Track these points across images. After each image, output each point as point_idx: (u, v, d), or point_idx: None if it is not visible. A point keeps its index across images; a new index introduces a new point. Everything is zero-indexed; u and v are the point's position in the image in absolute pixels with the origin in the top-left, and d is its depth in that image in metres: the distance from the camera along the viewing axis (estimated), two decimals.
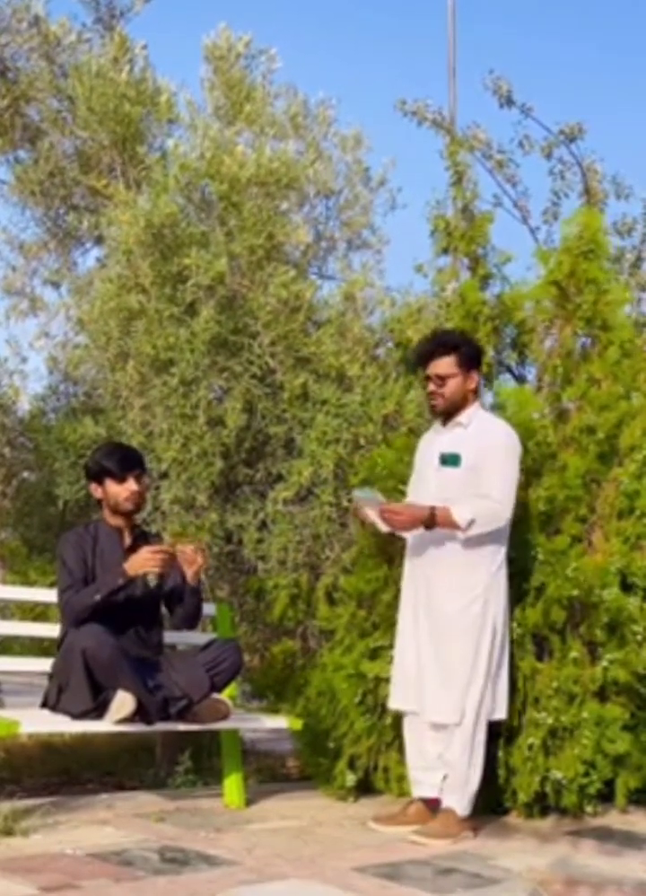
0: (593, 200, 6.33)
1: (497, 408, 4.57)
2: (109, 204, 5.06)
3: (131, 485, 3.85)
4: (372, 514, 3.92)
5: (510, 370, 5.07)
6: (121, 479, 3.84)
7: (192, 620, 3.98)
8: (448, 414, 3.96)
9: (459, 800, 3.81)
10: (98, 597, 3.66)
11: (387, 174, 5.45)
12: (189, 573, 3.81)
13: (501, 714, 3.89)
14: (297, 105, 5.29)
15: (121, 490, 3.85)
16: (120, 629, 3.71)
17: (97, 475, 3.88)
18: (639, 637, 4.11)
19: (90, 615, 3.64)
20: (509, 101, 6.53)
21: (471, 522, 3.77)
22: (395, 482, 4.33)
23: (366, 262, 5.30)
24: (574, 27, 20.08)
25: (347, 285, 5.06)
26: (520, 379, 5.05)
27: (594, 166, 6.47)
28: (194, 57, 5.39)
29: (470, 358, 3.97)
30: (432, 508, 3.80)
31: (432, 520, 3.80)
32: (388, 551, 4.30)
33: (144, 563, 3.69)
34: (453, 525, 3.79)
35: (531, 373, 4.99)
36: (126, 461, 3.89)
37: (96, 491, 3.91)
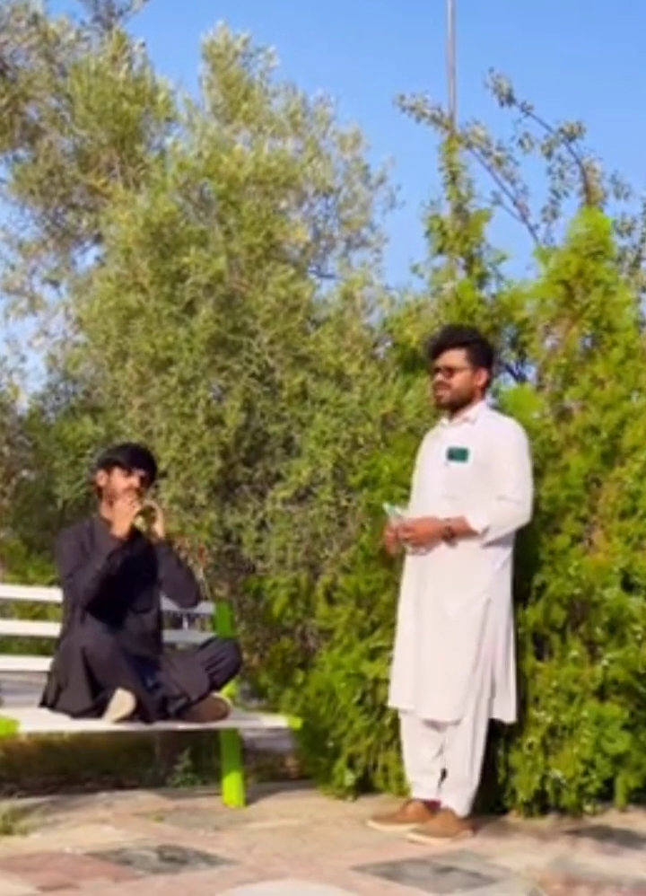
0: (592, 199, 6.32)
1: (498, 407, 4.57)
2: (107, 202, 5.05)
3: (134, 480, 3.90)
4: (391, 530, 3.97)
5: (509, 369, 5.07)
6: (128, 473, 3.90)
7: (186, 588, 3.93)
8: (453, 408, 3.97)
9: (458, 800, 3.81)
10: (99, 567, 3.70)
11: (386, 172, 5.44)
12: (156, 528, 3.82)
13: (510, 716, 3.89)
14: (296, 103, 5.27)
15: (123, 482, 3.90)
16: (118, 620, 3.73)
17: (107, 463, 3.95)
18: (639, 637, 4.11)
19: (96, 587, 3.68)
20: (509, 99, 6.52)
21: (487, 529, 3.77)
22: (400, 488, 4.33)
23: (365, 261, 5.29)
24: (574, 24, 20.08)
25: (346, 284, 5.06)
26: (520, 378, 5.05)
27: (593, 165, 6.46)
28: (192, 55, 5.40)
29: (481, 355, 4.00)
30: (448, 520, 3.80)
31: (448, 531, 3.80)
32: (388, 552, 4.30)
33: (123, 513, 3.74)
34: (470, 533, 3.78)
35: (531, 373, 5.00)
36: (138, 456, 3.97)
37: (101, 479, 3.96)
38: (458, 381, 3.94)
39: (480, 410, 3.96)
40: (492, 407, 4.22)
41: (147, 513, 3.80)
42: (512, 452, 3.86)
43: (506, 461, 3.83)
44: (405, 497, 4.20)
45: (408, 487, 4.20)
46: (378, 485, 4.46)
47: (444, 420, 4.05)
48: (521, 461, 3.87)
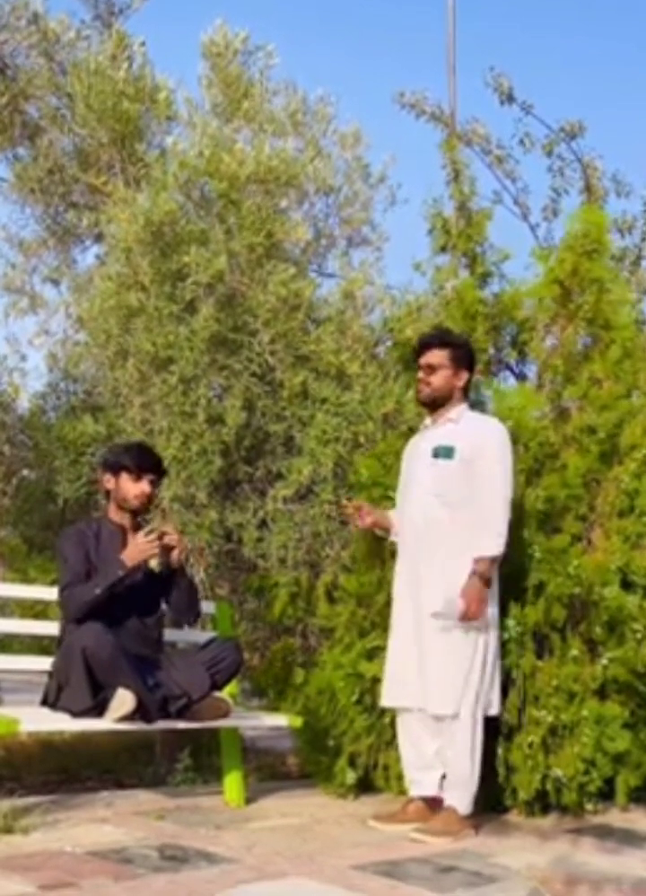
0: (593, 197, 6.32)
1: (494, 405, 4.57)
2: (108, 201, 5.05)
3: (144, 486, 3.88)
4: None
5: (510, 368, 5.06)
6: (137, 477, 3.87)
7: (190, 606, 3.96)
8: (433, 407, 4.03)
9: (461, 798, 3.80)
10: (98, 591, 3.67)
11: (386, 171, 5.45)
12: (173, 556, 3.82)
13: (495, 709, 3.90)
14: (296, 102, 5.28)
15: (133, 487, 3.87)
16: (119, 622, 3.72)
17: (114, 467, 3.90)
18: (639, 635, 4.11)
19: (90, 609, 3.65)
20: (510, 99, 6.52)
21: (499, 545, 3.79)
22: (381, 490, 4.34)
23: (365, 260, 5.30)
24: (575, 23, 20.06)
25: (347, 283, 5.06)
26: (521, 377, 5.05)
27: (594, 163, 6.46)
28: (192, 53, 5.39)
29: (463, 358, 4.06)
30: (474, 573, 3.73)
31: (485, 581, 3.76)
32: (381, 554, 4.31)
33: (141, 551, 3.71)
34: (494, 563, 3.80)
35: (532, 372, 4.99)
36: (146, 460, 3.93)
37: (108, 482, 3.92)
38: (438, 378, 3.99)
39: (462, 411, 4.03)
40: (472, 407, 4.21)
41: (165, 549, 3.76)
42: (497, 450, 3.91)
43: (491, 460, 3.87)
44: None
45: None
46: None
47: (427, 421, 4.11)
48: (505, 459, 3.91)
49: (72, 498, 5.03)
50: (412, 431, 4.59)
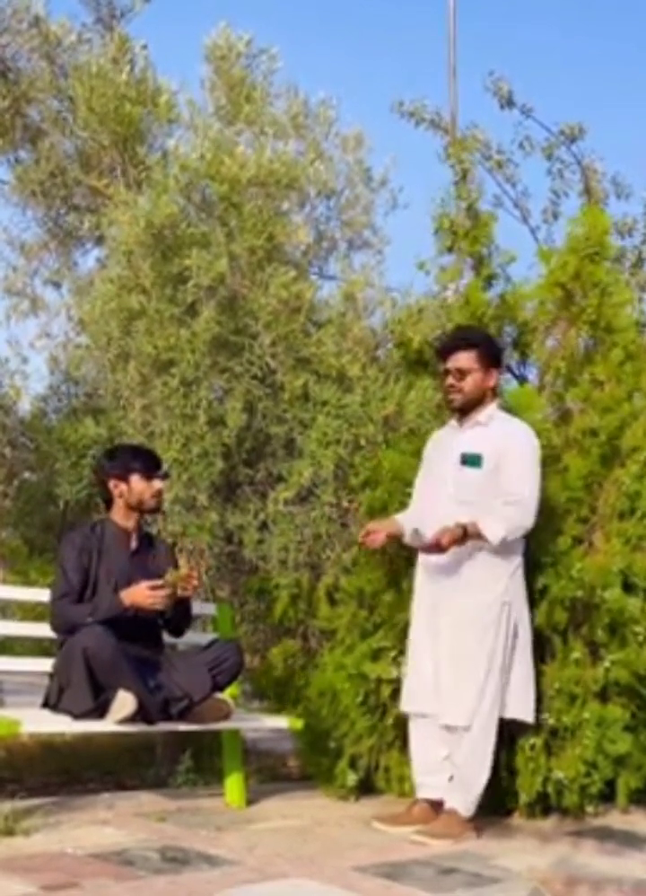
0: (593, 200, 6.32)
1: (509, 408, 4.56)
2: (109, 204, 5.05)
3: (157, 484, 3.92)
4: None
5: (510, 370, 5.07)
6: (149, 477, 3.89)
7: (181, 626, 4.00)
8: (464, 411, 3.94)
9: (463, 801, 3.80)
10: (89, 620, 3.67)
11: (388, 174, 5.44)
12: (183, 595, 3.82)
13: (529, 716, 3.89)
14: (298, 105, 5.28)
15: (148, 488, 3.90)
16: (120, 624, 3.72)
17: (122, 471, 3.90)
18: (640, 638, 4.11)
19: (75, 629, 3.65)
20: (509, 103, 6.53)
21: (503, 539, 3.76)
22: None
23: (367, 263, 5.30)
24: (575, 23, 20.09)
25: (348, 286, 5.06)
26: (521, 379, 5.05)
27: (593, 165, 6.46)
28: (194, 56, 5.39)
29: (491, 356, 3.96)
30: (464, 526, 3.74)
31: (465, 535, 3.75)
32: (388, 551, 4.30)
33: (141, 600, 3.72)
34: (483, 539, 3.76)
35: (532, 374, 5.00)
36: (155, 460, 3.99)
37: (116, 487, 3.91)
38: (469, 383, 3.90)
39: (492, 413, 3.94)
40: (502, 407, 4.15)
41: (176, 584, 3.75)
42: (522, 455, 3.85)
43: (516, 465, 3.82)
44: (408, 495, 4.19)
45: (410, 484, 4.20)
46: (379, 483, 4.46)
47: (453, 422, 4.02)
48: (531, 464, 3.85)
49: (73, 500, 5.04)
50: (413, 432, 4.60)
